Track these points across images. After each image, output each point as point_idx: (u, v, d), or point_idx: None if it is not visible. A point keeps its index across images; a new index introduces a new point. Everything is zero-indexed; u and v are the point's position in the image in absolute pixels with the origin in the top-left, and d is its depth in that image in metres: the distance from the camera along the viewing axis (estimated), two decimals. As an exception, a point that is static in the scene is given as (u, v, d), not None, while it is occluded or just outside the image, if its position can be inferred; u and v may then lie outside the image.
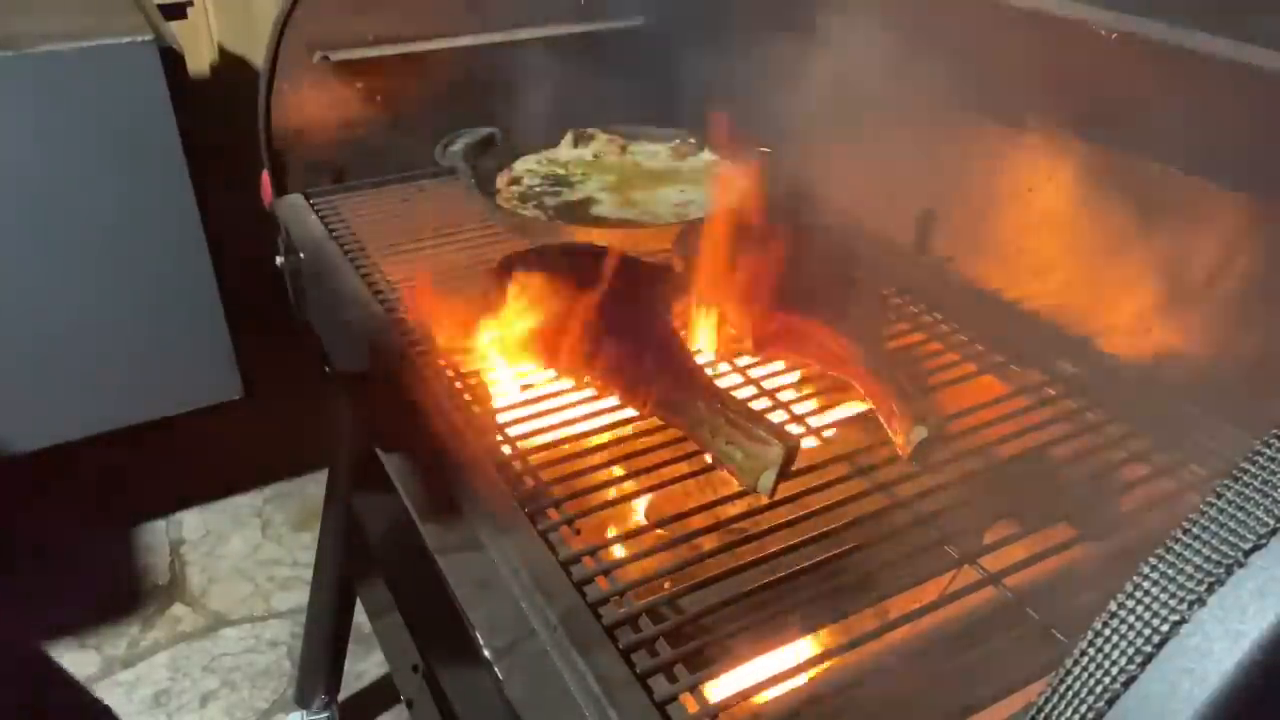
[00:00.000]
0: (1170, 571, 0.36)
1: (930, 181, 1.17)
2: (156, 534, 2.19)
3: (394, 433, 1.01)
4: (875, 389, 0.89)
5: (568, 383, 0.94)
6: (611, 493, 0.82)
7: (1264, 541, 0.35)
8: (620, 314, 0.91)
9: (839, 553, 0.74)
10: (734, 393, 0.89)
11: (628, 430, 0.89)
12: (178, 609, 2.00)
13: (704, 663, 0.65)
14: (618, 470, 0.85)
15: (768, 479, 0.77)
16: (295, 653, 1.86)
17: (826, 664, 0.66)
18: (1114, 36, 0.86)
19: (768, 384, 0.96)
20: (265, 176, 1.35)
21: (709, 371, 0.93)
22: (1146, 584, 0.37)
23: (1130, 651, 0.36)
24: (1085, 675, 0.37)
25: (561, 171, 1.35)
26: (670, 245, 1.10)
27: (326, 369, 1.30)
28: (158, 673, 1.86)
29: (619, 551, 0.76)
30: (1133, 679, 0.36)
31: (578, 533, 0.76)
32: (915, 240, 1.21)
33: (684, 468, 0.85)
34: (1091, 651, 0.37)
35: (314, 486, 2.27)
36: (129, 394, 1.73)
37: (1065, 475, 0.84)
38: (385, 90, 1.40)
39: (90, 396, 1.69)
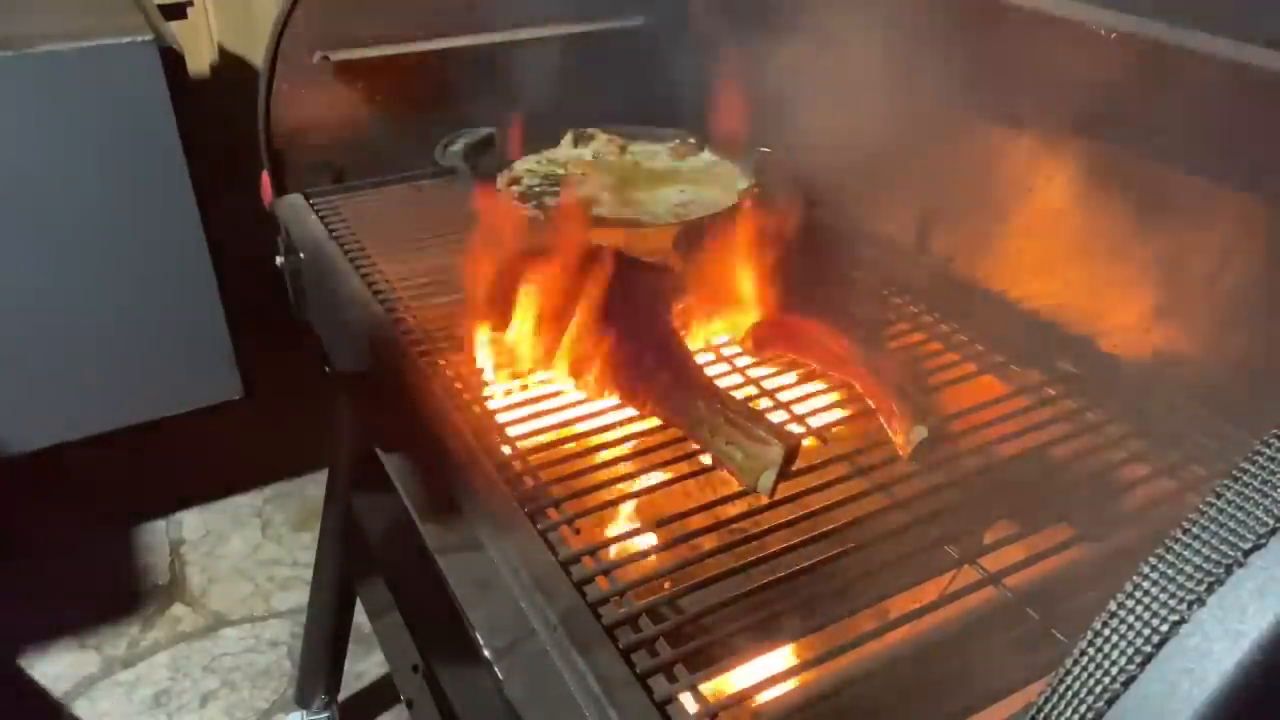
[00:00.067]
0: (1170, 571, 0.36)
1: (930, 181, 1.17)
2: (156, 534, 2.19)
3: (394, 433, 1.01)
4: (875, 389, 0.89)
5: (568, 383, 0.94)
6: (612, 493, 0.82)
7: (1264, 541, 0.35)
8: (620, 314, 0.91)
9: (839, 553, 0.74)
10: (734, 393, 0.89)
11: (627, 430, 0.89)
12: (178, 609, 2.00)
13: (704, 663, 0.65)
14: (618, 470, 0.85)
15: (768, 479, 0.77)
16: (295, 653, 1.87)
17: (826, 664, 0.66)
18: (1114, 36, 0.86)
19: (768, 384, 0.96)
20: (265, 176, 1.35)
21: (709, 371, 0.93)
22: (1146, 584, 0.37)
23: (1130, 651, 0.36)
24: (1085, 675, 0.37)
25: (561, 171, 1.35)
26: (670, 245, 1.10)
27: (326, 369, 1.30)
28: (158, 673, 1.86)
29: (619, 551, 0.76)
30: (1133, 679, 0.36)
31: (578, 533, 0.76)
32: (915, 240, 1.21)
33: (684, 468, 0.85)
34: (1091, 651, 0.37)
35: (314, 486, 2.27)
36: (129, 394, 1.73)
37: (1065, 475, 0.84)
38: (385, 90, 1.40)
39: (90, 396, 1.69)
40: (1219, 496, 0.37)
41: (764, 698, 0.64)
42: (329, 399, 1.47)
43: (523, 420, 0.90)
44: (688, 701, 0.62)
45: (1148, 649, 0.35)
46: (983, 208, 1.11)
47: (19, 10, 1.61)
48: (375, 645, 1.78)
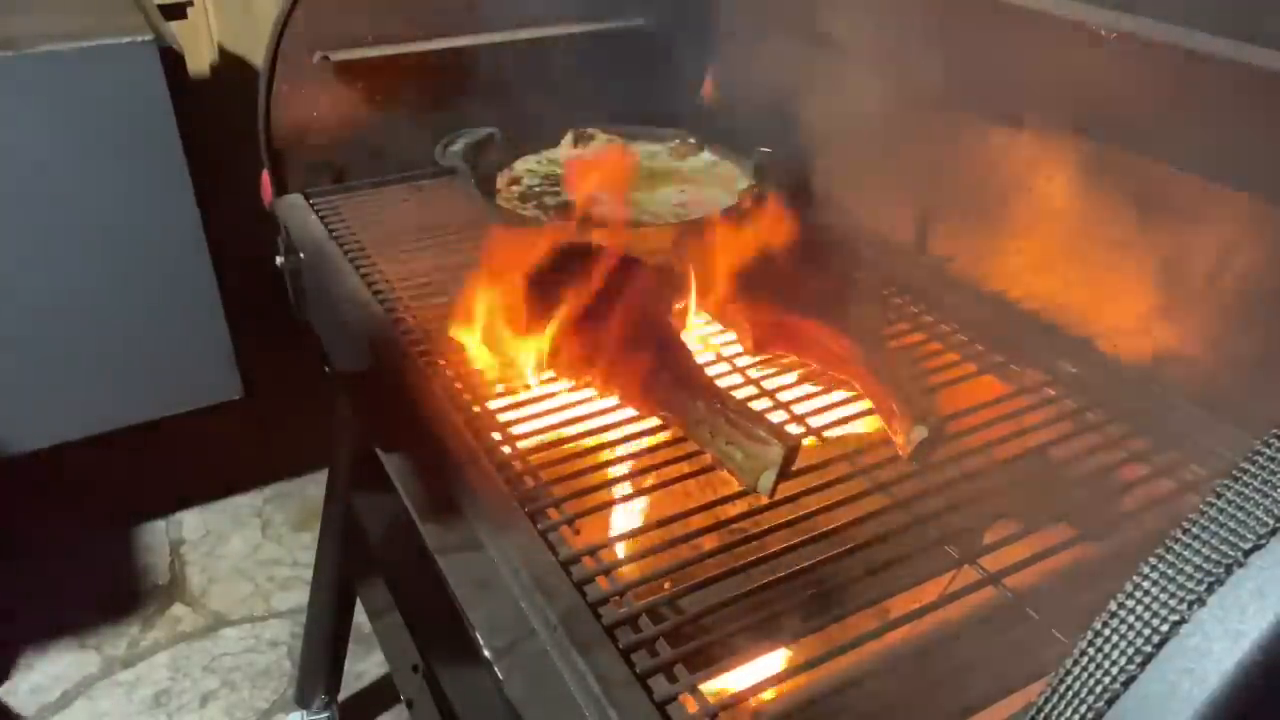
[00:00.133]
0: (1170, 571, 0.36)
1: (930, 181, 1.17)
2: (156, 534, 2.19)
3: (394, 433, 1.01)
4: (875, 389, 0.89)
5: (568, 383, 0.94)
6: (612, 493, 0.82)
7: (1264, 541, 0.35)
8: (620, 314, 0.91)
9: (839, 553, 0.74)
10: (734, 393, 0.89)
11: (627, 430, 0.89)
12: (178, 609, 2.00)
13: (704, 663, 0.65)
14: (618, 470, 0.85)
15: (768, 479, 0.77)
16: (295, 653, 1.87)
17: (826, 664, 0.66)
18: (1114, 36, 0.86)
19: (768, 384, 0.96)
20: (265, 176, 1.35)
21: (709, 371, 0.93)
22: (1146, 584, 0.37)
23: (1130, 651, 0.36)
24: (1085, 675, 0.37)
25: (561, 171, 1.35)
26: (670, 245, 1.10)
27: (326, 369, 1.30)
28: (158, 673, 1.86)
29: (619, 551, 0.76)
30: (1133, 679, 0.36)
31: (578, 533, 0.76)
32: (915, 240, 1.21)
33: (684, 468, 0.85)
34: (1091, 651, 0.37)
35: (314, 486, 2.27)
36: (129, 394, 1.73)
37: (1065, 475, 0.84)
38: (385, 90, 1.40)
39: (90, 396, 1.69)
40: (1219, 496, 0.37)
41: (764, 698, 0.64)
42: (329, 399, 1.47)
43: (523, 420, 0.90)
44: (688, 701, 0.62)
45: (1148, 649, 0.35)
46: (982, 207, 1.11)
47: (19, 10, 1.61)
48: (375, 645, 1.78)
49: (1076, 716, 0.37)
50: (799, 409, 0.93)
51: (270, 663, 1.89)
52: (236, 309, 1.75)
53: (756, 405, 0.90)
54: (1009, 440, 0.87)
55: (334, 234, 1.23)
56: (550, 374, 0.95)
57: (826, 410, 0.93)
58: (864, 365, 0.90)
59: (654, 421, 0.89)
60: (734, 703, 0.63)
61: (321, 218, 1.27)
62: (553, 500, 0.79)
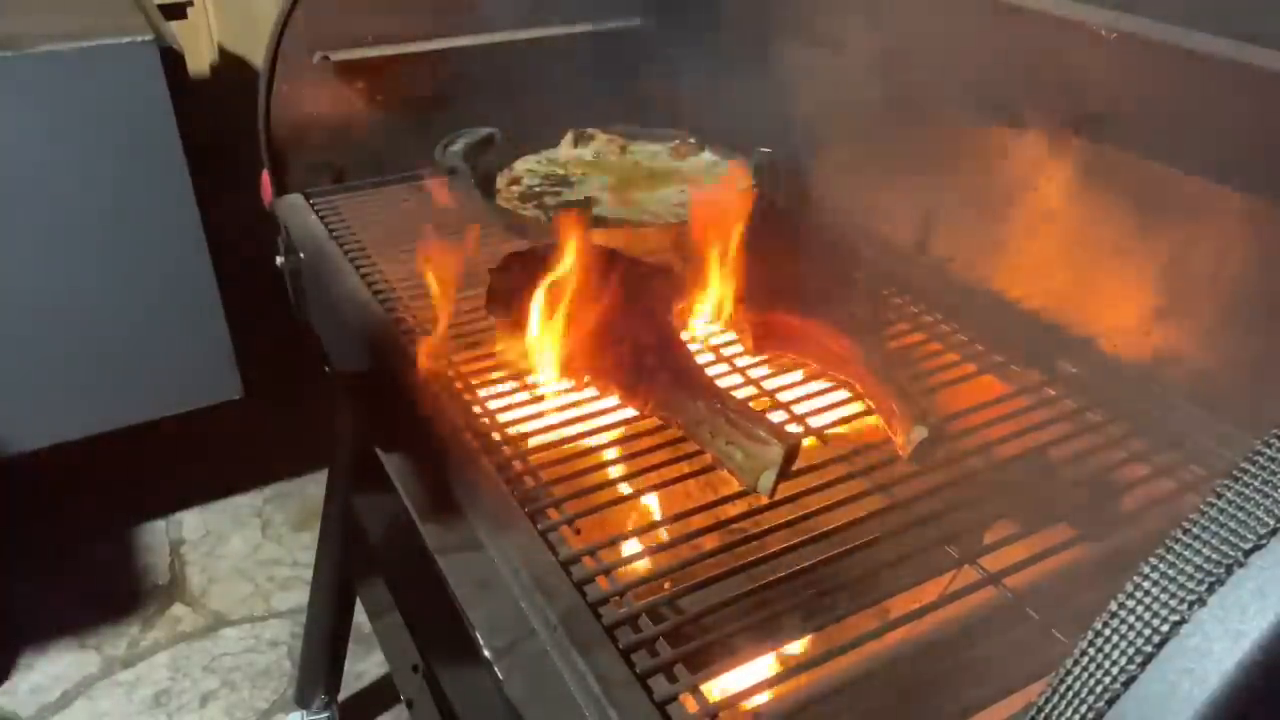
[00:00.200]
0: (1170, 571, 0.36)
1: (930, 181, 1.17)
2: (156, 534, 2.19)
3: (394, 433, 1.01)
4: (875, 389, 0.89)
5: (568, 383, 0.94)
6: (612, 493, 0.82)
7: (1264, 541, 0.35)
8: (620, 314, 0.91)
9: (839, 552, 0.74)
10: (734, 393, 0.89)
11: (628, 430, 0.89)
12: (178, 609, 2.00)
13: (704, 663, 0.65)
14: (618, 470, 0.85)
15: (768, 479, 0.77)
16: (295, 653, 1.87)
17: (826, 664, 0.66)
18: (1114, 36, 0.86)
19: (768, 384, 0.96)
20: (265, 176, 1.35)
21: (709, 371, 0.93)
22: (1146, 584, 0.37)
23: (1130, 651, 0.36)
24: (1085, 675, 0.37)
25: (561, 171, 1.35)
26: (670, 245, 1.10)
27: (326, 369, 1.30)
28: (158, 673, 1.86)
29: (619, 551, 0.76)
30: (1133, 679, 0.36)
31: (578, 533, 0.76)
32: (915, 240, 1.21)
33: (684, 468, 0.85)
34: (1091, 651, 0.37)
35: (314, 486, 2.27)
36: (129, 394, 1.73)
37: (1065, 475, 0.84)
38: (385, 90, 1.40)
39: (90, 396, 1.69)
40: (1219, 496, 0.37)
41: (764, 698, 0.64)
42: (329, 399, 1.47)
43: (523, 420, 0.90)
44: (688, 701, 0.62)
45: (1148, 649, 0.35)
46: (983, 208, 1.11)
47: (19, 10, 1.61)
48: (375, 645, 1.78)
49: (1077, 716, 0.37)
50: (799, 409, 0.93)
51: (270, 663, 1.89)
52: (236, 309, 1.75)
53: (756, 405, 0.90)
54: (1009, 440, 0.87)
55: (334, 234, 1.23)
56: (551, 373, 0.95)
57: (826, 410, 0.93)
58: (864, 365, 0.90)
59: (654, 422, 0.89)
60: (734, 702, 0.63)
61: (321, 218, 1.27)
62: (553, 500, 0.79)
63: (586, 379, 0.93)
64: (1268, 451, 0.37)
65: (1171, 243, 0.90)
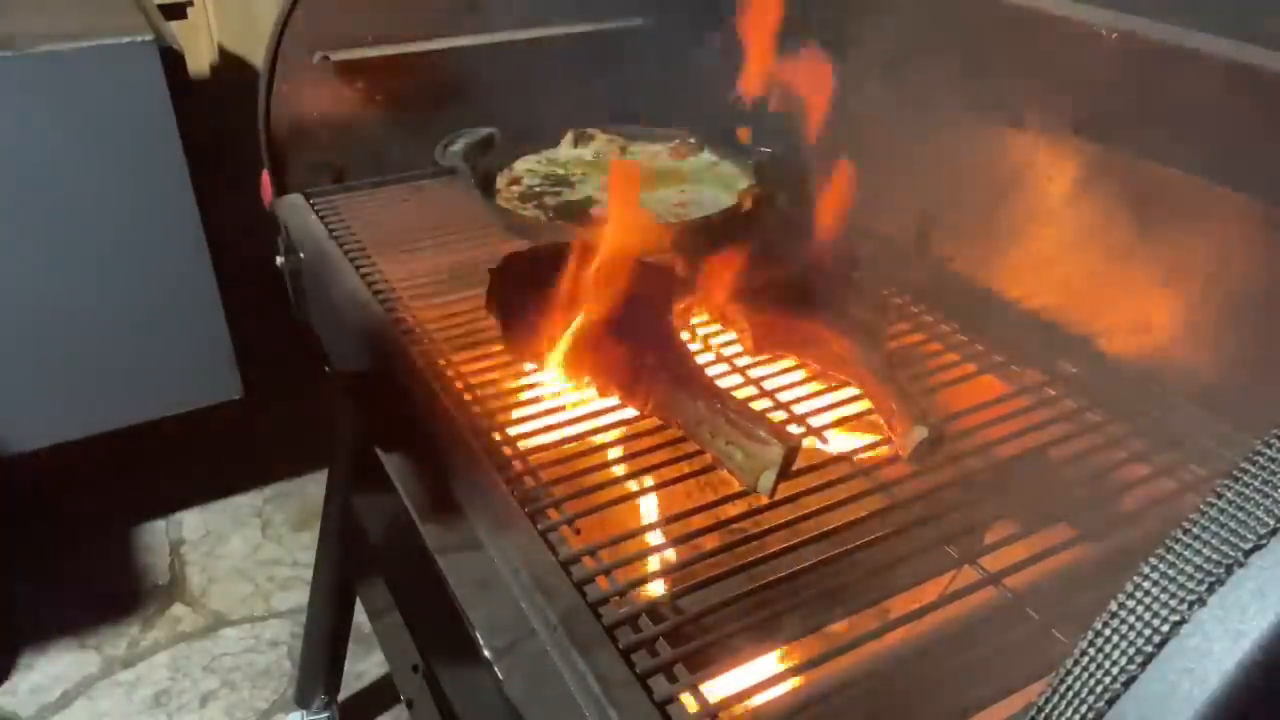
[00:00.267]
0: (1170, 571, 0.36)
1: (930, 181, 1.17)
2: (156, 534, 2.19)
3: (394, 433, 1.01)
4: (875, 389, 0.89)
5: (568, 383, 0.94)
6: (612, 493, 0.82)
7: (1264, 541, 0.35)
8: (620, 314, 0.91)
9: (839, 553, 0.74)
10: (734, 393, 0.89)
11: (628, 430, 0.89)
12: (178, 609, 2.00)
13: (704, 663, 0.65)
14: (618, 470, 0.85)
15: (768, 479, 0.77)
16: (295, 653, 1.86)
17: (827, 664, 0.66)
18: (1114, 36, 0.86)
19: (768, 384, 0.96)
20: (265, 176, 1.35)
21: (709, 371, 0.93)
22: (1146, 584, 0.37)
23: (1130, 651, 0.36)
24: (1085, 675, 0.37)
25: (561, 171, 1.35)
26: (670, 245, 1.10)
27: (326, 369, 1.30)
28: (158, 673, 1.86)
29: (619, 551, 0.76)
30: (1133, 679, 0.36)
31: (578, 533, 0.76)
32: (915, 240, 1.21)
33: (684, 468, 0.85)
34: (1091, 651, 0.37)
35: (314, 486, 2.27)
36: (129, 394, 1.73)
37: (1065, 475, 0.84)
38: (385, 90, 1.40)
39: (90, 396, 1.69)
40: (1219, 496, 0.37)
41: (764, 698, 0.64)
42: (329, 399, 1.47)
43: (523, 420, 0.90)
44: (688, 701, 0.62)
45: (1148, 649, 0.35)
46: (982, 207, 1.11)
47: (19, 10, 1.61)
48: (375, 645, 1.78)
49: (1077, 716, 0.37)
50: (799, 409, 0.93)
51: (270, 663, 1.89)
52: (236, 309, 1.75)
53: (756, 405, 0.90)
54: (1009, 440, 0.87)
55: (334, 234, 1.23)
56: (551, 373, 0.95)
57: (826, 410, 0.93)
58: (864, 365, 0.90)
59: (654, 422, 0.89)
60: (734, 702, 0.63)
61: (321, 218, 1.27)
62: (553, 500, 0.79)
63: (586, 379, 0.93)
64: (1268, 451, 0.37)
65: (1171, 243, 0.90)
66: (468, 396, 0.93)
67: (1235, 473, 0.37)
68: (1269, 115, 0.77)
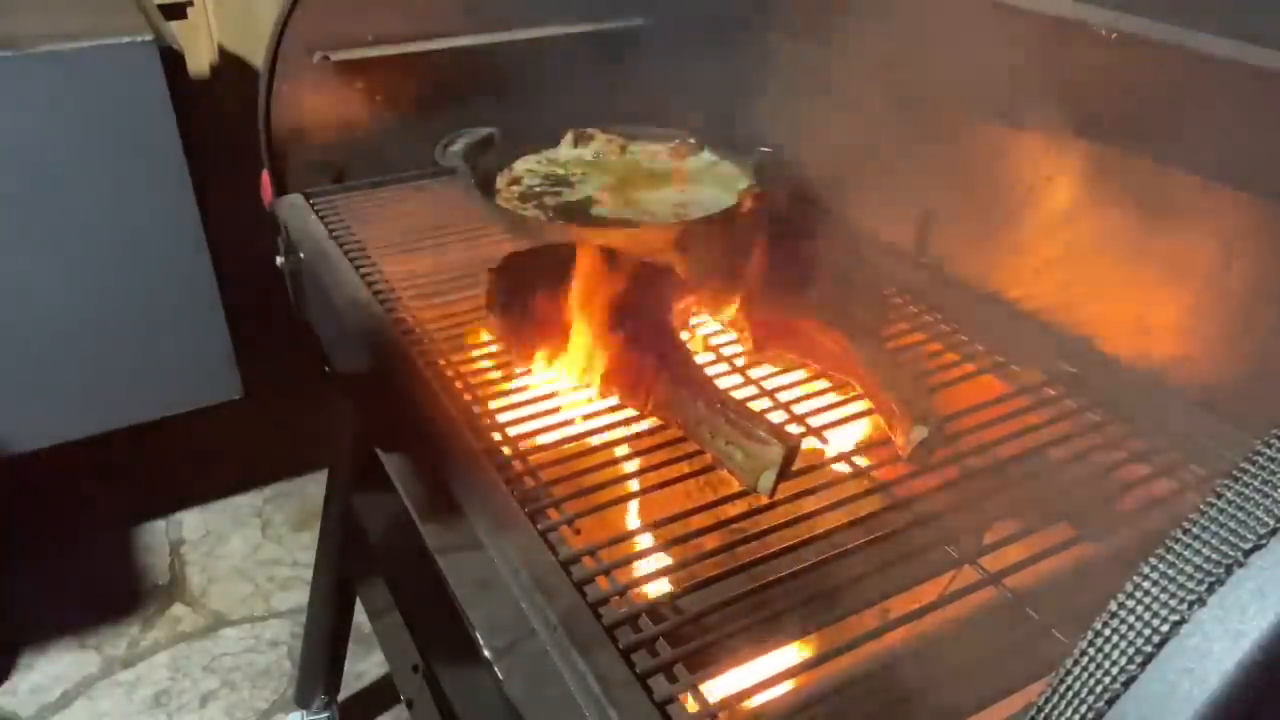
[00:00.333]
0: (1170, 571, 0.36)
1: (930, 182, 1.17)
2: (156, 534, 2.19)
3: (394, 433, 1.01)
4: (875, 389, 0.89)
5: (568, 383, 0.94)
6: (612, 493, 0.82)
7: (1264, 541, 0.35)
8: (621, 314, 0.91)
9: (839, 553, 0.74)
10: (734, 393, 0.89)
11: (627, 430, 0.89)
12: (178, 609, 2.00)
13: (704, 663, 0.65)
14: (618, 470, 0.85)
15: (768, 479, 0.77)
16: (295, 653, 1.87)
17: (826, 664, 0.66)
18: (1114, 36, 0.86)
19: (768, 384, 0.96)
20: (265, 176, 1.35)
21: (709, 371, 0.93)
22: (1146, 584, 0.37)
23: (1130, 651, 0.36)
24: (1085, 675, 0.37)
25: (561, 171, 1.35)
26: (670, 245, 1.10)
27: (326, 369, 1.30)
28: (158, 673, 1.86)
29: (619, 551, 0.76)
30: (1133, 679, 0.36)
31: (578, 533, 0.76)
32: (915, 241, 1.21)
33: (684, 468, 0.85)
34: (1091, 651, 0.37)
35: (314, 486, 2.27)
36: (129, 394, 1.72)
37: (1065, 475, 0.84)
38: (385, 90, 1.40)
39: (90, 396, 1.69)
40: (1219, 496, 0.37)
41: (764, 698, 0.64)
42: (329, 399, 1.47)
43: (523, 420, 0.90)
44: (688, 702, 0.62)
45: (1148, 649, 0.35)
46: (982, 208, 1.11)
47: (19, 10, 1.61)
48: (375, 645, 1.78)
49: (1076, 716, 0.37)
50: (799, 409, 0.93)
51: (270, 663, 1.89)
52: (236, 309, 1.75)
53: (756, 405, 0.90)
54: (1009, 440, 0.87)
55: (334, 234, 1.23)
56: (552, 373, 0.95)
57: (826, 410, 0.93)
58: (864, 365, 0.90)
59: (654, 421, 0.89)
60: (734, 702, 0.63)
61: (321, 218, 1.27)
62: (553, 500, 0.79)
63: (586, 379, 0.93)
64: (1268, 451, 0.37)
65: (1171, 242, 0.90)
66: (467, 397, 0.93)
67: (1235, 473, 0.37)
68: (1269, 115, 0.77)
